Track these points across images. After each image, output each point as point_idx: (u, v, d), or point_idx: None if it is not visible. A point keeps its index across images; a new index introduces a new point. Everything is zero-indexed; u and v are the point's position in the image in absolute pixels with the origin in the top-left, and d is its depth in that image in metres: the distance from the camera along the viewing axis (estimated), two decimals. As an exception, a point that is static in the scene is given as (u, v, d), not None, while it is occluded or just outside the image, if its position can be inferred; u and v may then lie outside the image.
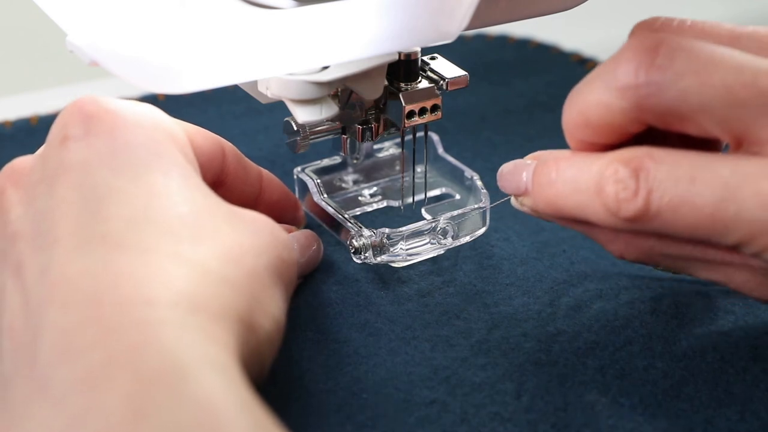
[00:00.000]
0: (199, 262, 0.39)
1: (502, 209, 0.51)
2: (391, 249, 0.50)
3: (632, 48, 0.40)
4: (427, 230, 0.51)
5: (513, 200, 0.47)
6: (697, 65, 0.39)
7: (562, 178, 0.43)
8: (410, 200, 0.55)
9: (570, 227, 0.45)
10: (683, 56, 0.39)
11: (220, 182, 0.48)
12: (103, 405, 0.34)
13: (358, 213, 0.55)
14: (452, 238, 0.52)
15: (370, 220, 0.55)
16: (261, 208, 0.50)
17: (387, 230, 0.50)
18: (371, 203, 0.56)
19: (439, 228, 0.51)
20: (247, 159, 0.50)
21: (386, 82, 0.49)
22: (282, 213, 0.52)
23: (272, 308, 0.41)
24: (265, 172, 0.51)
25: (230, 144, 0.49)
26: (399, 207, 0.55)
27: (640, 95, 0.40)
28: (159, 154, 0.41)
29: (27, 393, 0.36)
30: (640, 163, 0.40)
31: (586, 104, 0.41)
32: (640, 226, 0.41)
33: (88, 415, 0.34)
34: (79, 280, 0.37)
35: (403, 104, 0.49)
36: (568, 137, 0.43)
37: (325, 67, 0.46)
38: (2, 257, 0.40)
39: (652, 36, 0.40)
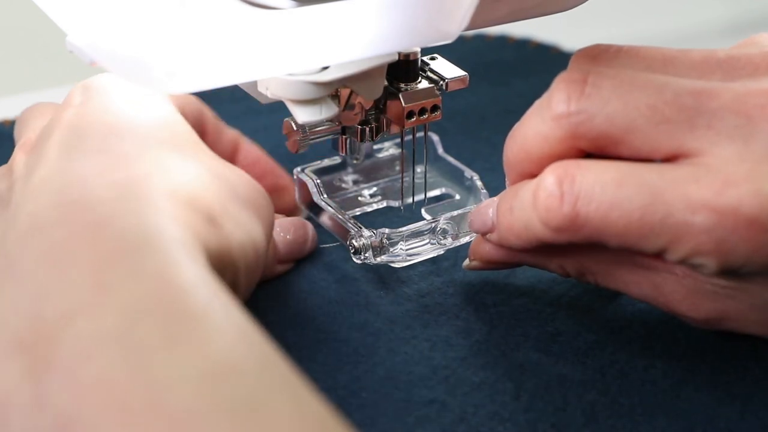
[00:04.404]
0: (165, 161, 0.42)
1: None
2: (391, 249, 0.50)
3: (564, 80, 0.42)
4: (427, 230, 0.51)
5: (465, 262, 0.50)
6: (621, 90, 0.41)
7: (516, 201, 0.44)
8: (410, 200, 0.55)
9: (527, 263, 0.48)
10: (608, 83, 0.42)
11: None
12: (67, 280, 0.36)
13: (358, 213, 0.55)
14: (452, 238, 0.52)
15: (370, 220, 0.55)
16: None
17: (387, 230, 0.50)
18: (371, 203, 0.56)
19: (439, 228, 0.51)
20: (224, 125, 0.53)
21: (386, 83, 0.49)
22: (259, 179, 0.52)
23: (243, 221, 0.43)
24: (244, 140, 0.54)
25: (209, 109, 0.52)
26: (399, 207, 0.55)
27: (572, 123, 0.42)
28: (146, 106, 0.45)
29: None
30: (564, 171, 0.42)
31: (525, 137, 0.44)
32: (573, 235, 0.42)
33: (51, 290, 0.35)
34: (52, 177, 0.40)
35: (403, 104, 0.49)
36: (509, 172, 0.45)
37: (325, 68, 0.46)
38: (2, 204, 0.43)
39: (582, 68, 0.43)
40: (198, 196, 0.42)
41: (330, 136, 0.52)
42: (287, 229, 0.51)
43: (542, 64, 0.72)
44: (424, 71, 0.51)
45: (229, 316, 0.35)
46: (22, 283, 0.36)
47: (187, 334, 0.34)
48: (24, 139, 0.47)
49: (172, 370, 0.33)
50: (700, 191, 0.39)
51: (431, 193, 0.56)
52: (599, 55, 0.44)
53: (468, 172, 0.55)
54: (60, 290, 0.35)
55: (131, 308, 0.34)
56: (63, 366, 0.33)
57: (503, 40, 0.75)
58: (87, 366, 0.33)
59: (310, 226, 0.52)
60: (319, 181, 0.54)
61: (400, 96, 0.49)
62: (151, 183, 0.40)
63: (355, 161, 0.56)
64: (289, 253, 0.51)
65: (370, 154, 0.56)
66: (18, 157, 0.46)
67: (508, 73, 0.71)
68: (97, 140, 0.42)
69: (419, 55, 0.50)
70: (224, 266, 0.41)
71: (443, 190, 0.56)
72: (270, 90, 0.46)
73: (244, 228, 0.43)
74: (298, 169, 0.55)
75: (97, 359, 0.33)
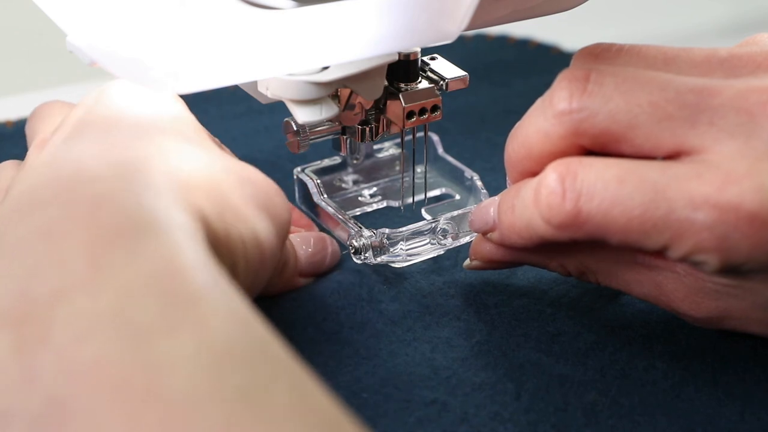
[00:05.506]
0: (167, 146, 0.41)
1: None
2: (391, 249, 0.50)
3: (566, 78, 0.42)
4: (427, 230, 0.51)
5: (465, 262, 0.50)
6: (623, 87, 0.41)
7: (518, 200, 0.44)
8: (410, 200, 0.55)
9: (526, 261, 0.48)
10: (611, 81, 0.42)
11: None
12: (60, 257, 0.35)
13: (358, 213, 0.55)
14: (452, 238, 0.52)
15: (370, 220, 0.55)
16: None
17: (387, 230, 0.50)
18: (371, 203, 0.56)
19: (439, 228, 0.51)
20: None
21: (386, 83, 0.49)
22: None
23: (246, 214, 0.42)
24: None
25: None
26: (399, 207, 0.55)
27: (574, 120, 0.42)
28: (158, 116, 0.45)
29: None
30: (566, 169, 0.42)
31: (527, 135, 0.43)
32: (575, 233, 0.42)
33: (44, 267, 0.35)
34: (49, 160, 0.40)
35: (403, 104, 0.49)
36: (511, 170, 0.45)
37: (325, 68, 0.46)
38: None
39: (584, 65, 0.43)
40: (198, 182, 0.41)
41: (330, 136, 0.52)
42: (307, 242, 0.51)
43: (542, 64, 0.72)
44: (424, 71, 0.51)
45: (229, 301, 0.35)
46: (11, 260, 0.35)
47: (185, 317, 0.33)
48: (38, 139, 0.46)
49: (169, 354, 0.32)
50: (701, 188, 0.39)
51: (431, 193, 0.56)
52: (602, 53, 0.44)
53: (468, 172, 0.55)
54: (53, 267, 0.34)
55: (128, 288, 0.34)
56: (56, 345, 0.32)
57: (503, 40, 0.75)
58: (82, 346, 0.32)
59: (330, 240, 0.52)
60: (319, 181, 0.54)
61: (400, 96, 0.49)
62: (152, 164, 0.40)
63: (355, 161, 0.56)
64: (309, 267, 0.51)
65: (370, 154, 0.56)
66: (35, 151, 0.45)
67: (508, 73, 0.71)
68: (100, 130, 0.42)
69: (419, 55, 0.50)
70: (219, 258, 0.40)
71: (443, 190, 0.56)
72: (270, 90, 0.46)
73: (246, 222, 0.42)
74: (298, 169, 0.55)
75: (93, 340, 0.32)
